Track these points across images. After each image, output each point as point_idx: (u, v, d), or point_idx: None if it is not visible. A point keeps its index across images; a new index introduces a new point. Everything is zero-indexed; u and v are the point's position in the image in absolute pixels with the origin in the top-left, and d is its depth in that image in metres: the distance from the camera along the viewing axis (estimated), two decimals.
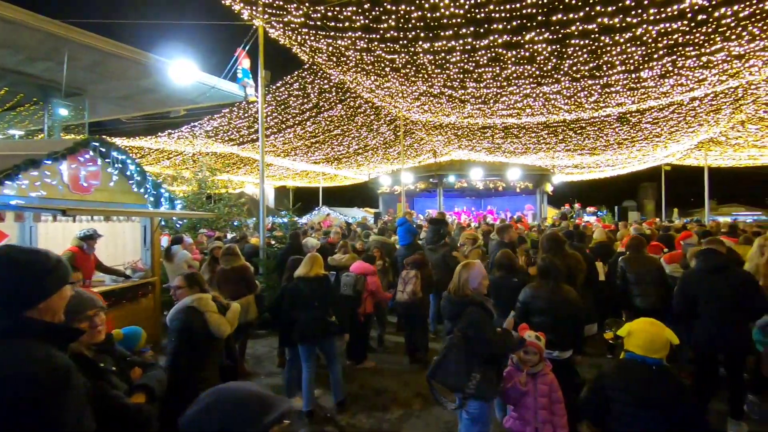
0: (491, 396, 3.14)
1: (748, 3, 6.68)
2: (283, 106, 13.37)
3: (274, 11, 8.48)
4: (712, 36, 7.67)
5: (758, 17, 7.18)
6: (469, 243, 6.89)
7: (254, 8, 8.59)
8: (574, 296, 3.87)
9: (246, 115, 13.46)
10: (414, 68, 9.64)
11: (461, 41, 7.81)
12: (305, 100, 13.34)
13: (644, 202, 40.83)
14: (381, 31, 8.03)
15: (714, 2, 6.53)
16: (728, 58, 8.98)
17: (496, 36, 7.55)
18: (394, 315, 7.75)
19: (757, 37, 7.99)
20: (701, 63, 9.05)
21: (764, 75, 11.43)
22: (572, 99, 11.22)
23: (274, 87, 12.20)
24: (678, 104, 13.77)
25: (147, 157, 15.84)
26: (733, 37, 7.75)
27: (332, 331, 4.81)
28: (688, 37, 7.59)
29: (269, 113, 13.66)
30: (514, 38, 7.56)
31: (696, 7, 6.60)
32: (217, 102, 11.63)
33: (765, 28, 7.59)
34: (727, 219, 23.13)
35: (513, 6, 6.60)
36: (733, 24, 7.29)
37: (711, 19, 6.99)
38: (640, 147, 19.42)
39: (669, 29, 7.25)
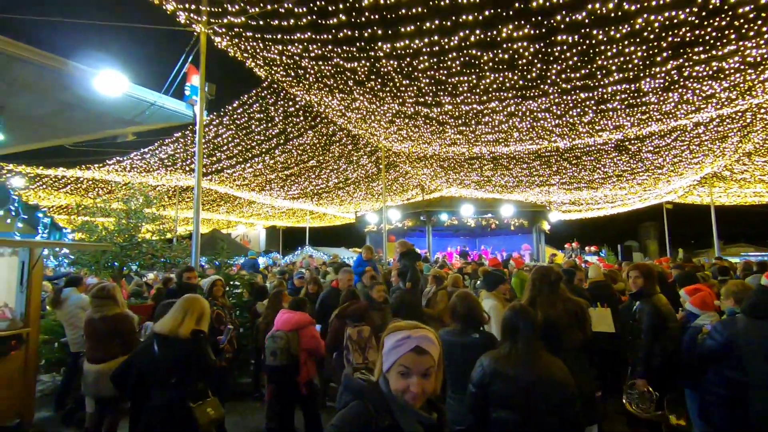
0: None
1: None
2: (245, 131, 12.08)
3: (211, 9, 7.30)
4: (726, 31, 6.40)
5: None
6: (433, 284, 5.19)
7: (189, 8, 7.43)
8: (562, 372, 2.20)
9: (204, 140, 12.13)
10: (379, 80, 8.38)
11: (426, 39, 6.54)
12: (269, 125, 12.07)
13: (646, 243, 39.18)
14: (332, 30, 6.78)
15: None
16: (742, 66, 7.71)
17: (467, 31, 6.28)
18: None
19: None
20: (711, 71, 7.77)
21: None
22: (563, 119, 9.91)
23: (230, 108, 10.95)
24: (681, 130, 12.52)
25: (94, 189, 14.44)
26: (751, 33, 6.47)
27: (194, 427, 3.02)
28: (697, 32, 6.32)
29: (230, 139, 12.36)
30: (489, 34, 6.30)
31: None
32: (162, 123, 10.24)
33: None
34: (736, 259, 21.50)
35: None
36: (752, 15, 6.02)
37: (726, 6, 5.73)
38: (640, 180, 18.07)
39: (675, 20, 5.98)
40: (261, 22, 7.15)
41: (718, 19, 6.07)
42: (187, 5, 7.29)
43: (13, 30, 7.00)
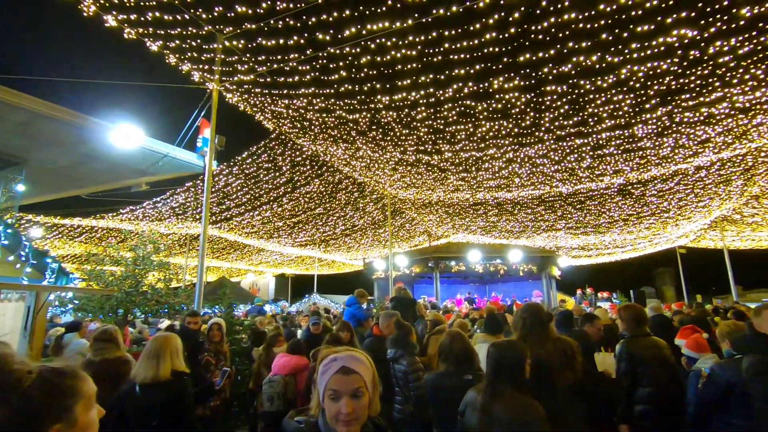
0: None
1: (746, 36, 5.74)
2: (253, 180, 12.50)
3: (222, 69, 7.87)
4: (710, 80, 6.67)
5: (760, 56, 6.21)
6: (428, 328, 5.14)
7: (203, 68, 8.02)
8: (539, 413, 2.20)
9: (214, 188, 12.55)
10: (380, 129, 8.76)
11: (423, 92, 6.93)
12: (277, 174, 12.50)
13: (663, 289, 38.06)
14: (334, 85, 7.23)
15: (706, 34, 5.58)
16: (732, 111, 7.93)
17: (461, 84, 6.65)
18: None
19: (762, 83, 6.99)
20: (702, 117, 8.00)
21: None
22: (562, 164, 10.12)
23: (240, 158, 11.43)
24: (683, 174, 12.62)
25: (104, 239, 14.80)
26: (735, 81, 6.74)
27: None
28: (681, 80, 6.60)
29: (239, 188, 12.77)
30: (481, 85, 6.66)
31: (685, 41, 5.65)
32: (174, 173, 10.73)
33: None
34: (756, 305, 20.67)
35: (471, 43, 5.73)
36: (732, 64, 6.31)
37: (705, 57, 6.02)
38: (648, 224, 17.95)
39: (658, 70, 6.28)
40: (268, 79, 7.68)
41: (700, 68, 6.36)
42: (201, 66, 7.89)
43: (39, 89, 7.63)
